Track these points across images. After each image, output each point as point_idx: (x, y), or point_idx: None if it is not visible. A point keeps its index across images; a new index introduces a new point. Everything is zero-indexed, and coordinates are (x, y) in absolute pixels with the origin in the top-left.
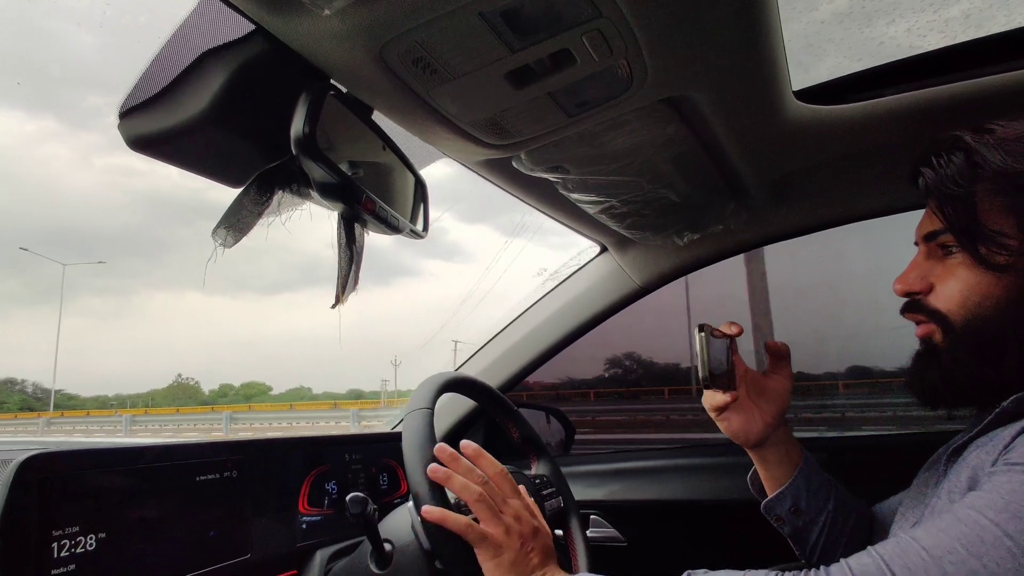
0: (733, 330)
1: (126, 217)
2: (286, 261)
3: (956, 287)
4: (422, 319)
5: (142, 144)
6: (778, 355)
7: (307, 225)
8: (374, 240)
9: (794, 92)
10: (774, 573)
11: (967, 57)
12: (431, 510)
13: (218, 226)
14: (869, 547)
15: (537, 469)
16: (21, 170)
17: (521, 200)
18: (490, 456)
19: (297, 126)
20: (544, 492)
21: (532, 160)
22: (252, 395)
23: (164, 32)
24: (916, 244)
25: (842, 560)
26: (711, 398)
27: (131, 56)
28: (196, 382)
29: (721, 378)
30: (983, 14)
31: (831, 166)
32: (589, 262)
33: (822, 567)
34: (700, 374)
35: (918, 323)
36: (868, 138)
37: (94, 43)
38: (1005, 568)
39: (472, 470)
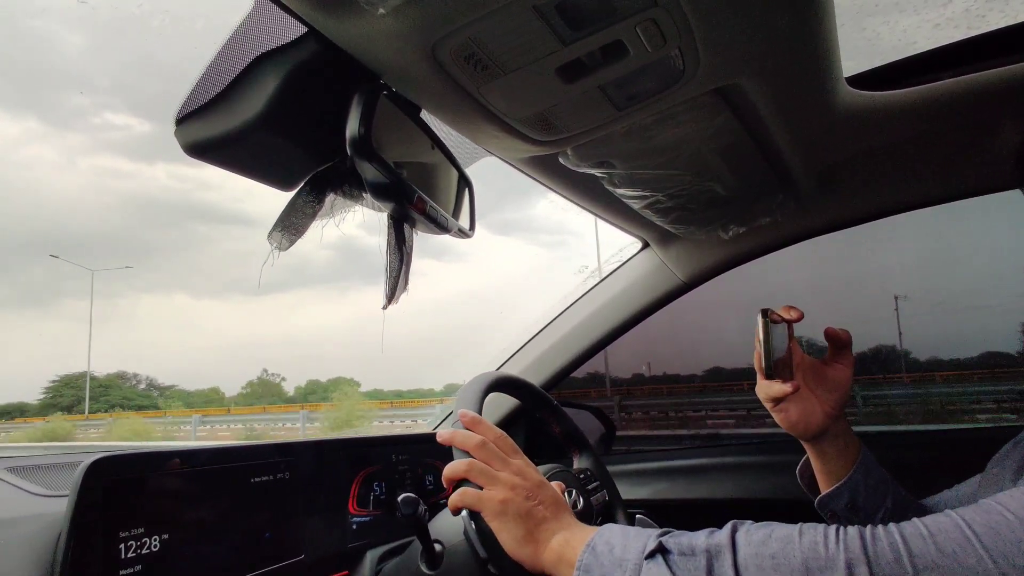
0: (793, 315)
1: (112, 219)
2: (276, 262)
3: None
4: (416, 318)
5: (198, 150)
6: (839, 342)
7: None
8: (358, 240)
9: (846, 78)
10: (834, 526)
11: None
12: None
13: (273, 229)
14: (946, 510)
15: (579, 463)
16: (4, 173)
17: (563, 196)
18: (488, 422)
19: (352, 127)
20: (589, 487)
21: (578, 156)
22: (341, 392)
23: (154, 31)
24: None
25: (914, 519)
26: (768, 388)
27: (118, 55)
28: (282, 378)
29: (781, 366)
30: None
31: (882, 154)
32: (631, 258)
33: (891, 524)
34: (762, 363)
35: None
36: (921, 124)
37: (78, 43)
38: None
39: (469, 435)
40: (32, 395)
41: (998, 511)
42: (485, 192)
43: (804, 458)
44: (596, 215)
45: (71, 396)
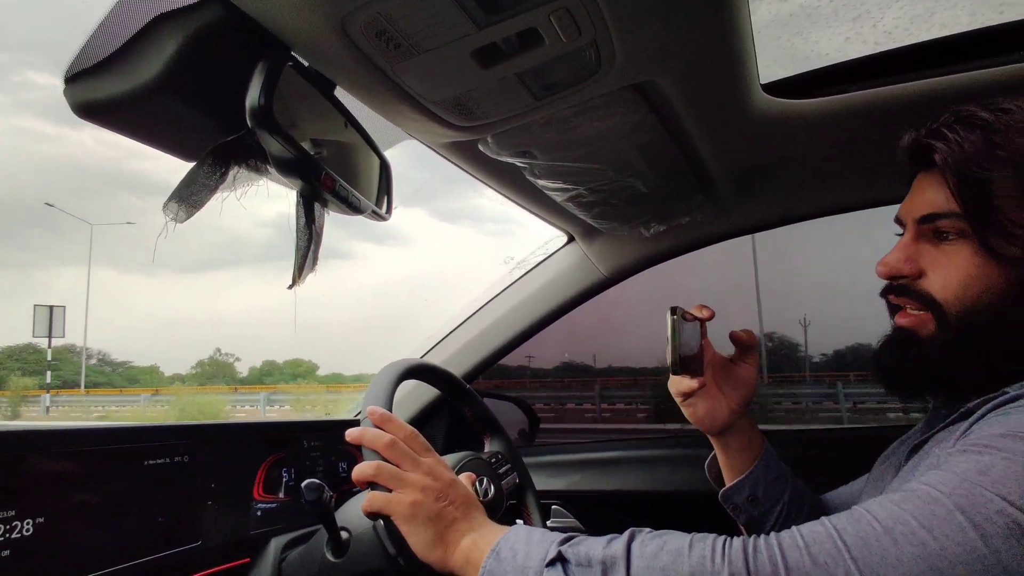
0: (705, 313)
1: (32, 185)
2: (209, 240)
3: (955, 275)
4: (354, 303)
5: (89, 111)
6: (743, 345)
7: (234, 204)
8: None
9: (762, 85)
10: (723, 537)
11: (936, 54)
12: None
13: (170, 199)
14: (822, 517)
15: (491, 447)
16: None
17: (487, 185)
18: (399, 419)
19: (253, 97)
20: (500, 470)
21: (498, 144)
22: (299, 374)
23: None
24: (898, 223)
25: (793, 528)
26: (678, 383)
27: (43, 9)
28: (236, 359)
29: (690, 363)
30: (949, 13)
31: (799, 160)
32: (556, 251)
33: (772, 534)
34: (670, 359)
35: (899, 308)
36: (836, 133)
37: None
38: (955, 542)
39: (378, 435)
40: None
41: (868, 520)
42: (431, 179)
43: (712, 454)
44: (522, 206)
45: (15, 369)
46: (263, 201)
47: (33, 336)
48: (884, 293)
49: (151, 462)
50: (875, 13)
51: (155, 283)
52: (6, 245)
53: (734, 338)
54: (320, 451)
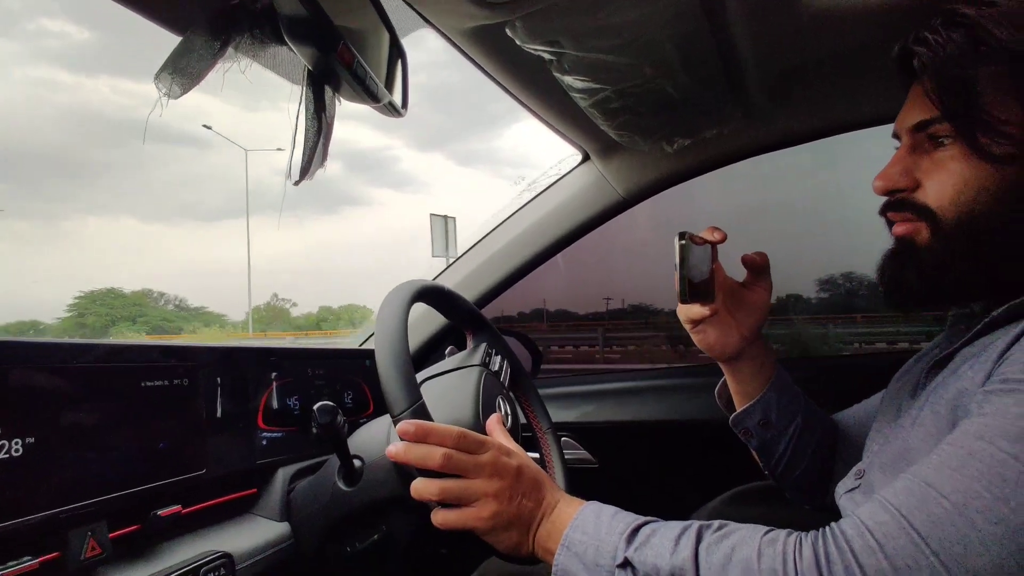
0: (716, 236)
1: (51, 135)
2: (228, 188)
3: (948, 181)
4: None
5: None
6: (755, 267)
7: (250, 152)
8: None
9: None
10: (793, 542)
11: None
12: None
13: (161, 70)
14: (878, 498)
15: (475, 342)
16: None
17: (506, 87)
18: (439, 426)
19: None
20: (495, 368)
21: (527, 29)
22: (355, 319)
23: None
24: (896, 137)
25: (854, 516)
26: (687, 310)
27: None
28: (292, 304)
29: (701, 289)
30: None
31: (839, 62)
32: (570, 171)
33: (834, 524)
34: (678, 286)
35: (897, 222)
36: (885, 31)
37: None
38: None
39: (427, 452)
40: (42, 313)
41: (934, 499)
42: (448, 121)
43: (722, 379)
44: (539, 117)
45: (104, 315)
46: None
47: (433, 255)
48: (882, 211)
49: (148, 383)
50: None
51: (179, 231)
52: (31, 195)
53: (746, 261)
54: (325, 380)
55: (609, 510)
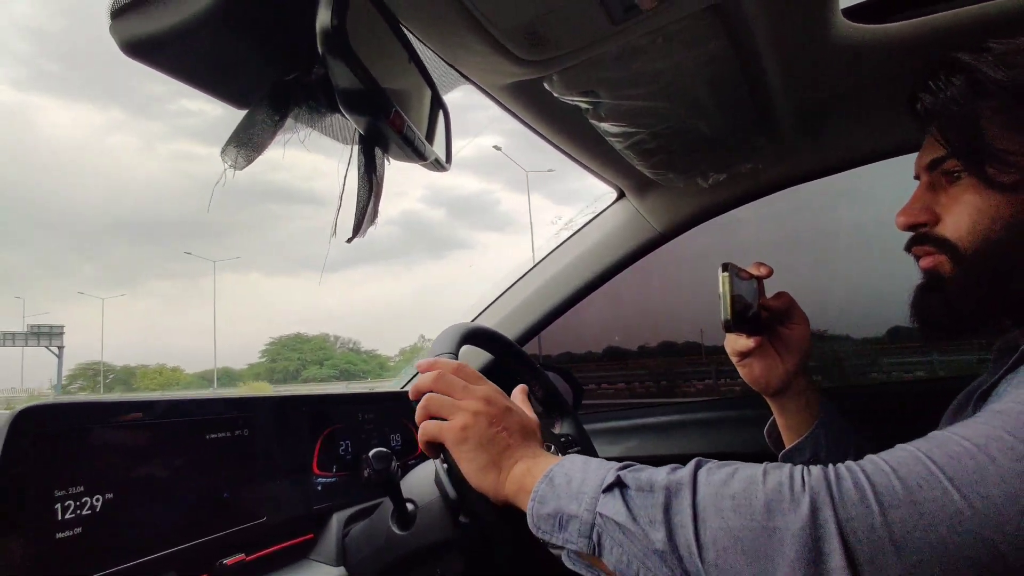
0: (762, 271)
1: (189, 202)
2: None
3: (964, 213)
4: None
5: (139, 50)
6: (779, 311)
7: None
8: (421, 214)
9: (843, 9)
10: (800, 467)
11: None
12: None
13: (227, 144)
14: (899, 444)
15: (561, 429)
16: (93, 161)
17: (542, 134)
18: (445, 359)
19: (323, 19)
20: (571, 452)
21: (564, 82)
22: None
23: None
24: (917, 178)
25: (870, 455)
26: (734, 342)
27: None
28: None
29: (746, 322)
30: None
31: (869, 93)
32: (605, 209)
33: (850, 461)
34: (722, 316)
35: (922, 256)
36: (915, 60)
37: None
38: None
39: (425, 376)
40: (188, 362)
41: (956, 440)
42: (541, 158)
43: (771, 419)
44: (574, 159)
45: (294, 359)
46: (388, 199)
47: None
48: (907, 247)
49: (212, 436)
50: None
51: (300, 281)
52: (175, 258)
53: (767, 307)
54: (374, 423)
55: (602, 460)
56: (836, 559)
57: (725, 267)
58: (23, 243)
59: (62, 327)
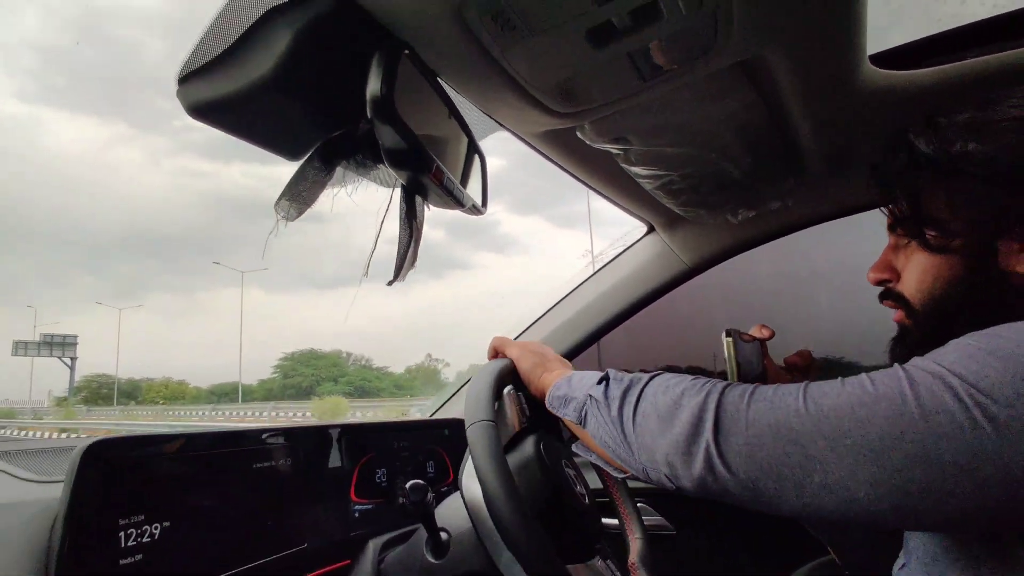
0: (764, 333)
1: (192, 217)
2: (342, 258)
3: (915, 272)
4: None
5: (202, 111)
6: (799, 369)
7: (361, 220)
8: (427, 235)
9: (870, 56)
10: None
11: None
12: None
13: (281, 197)
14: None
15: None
16: (96, 175)
17: (572, 174)
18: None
19: (374, 87)
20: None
21: (596, 131)
22: None
23: None
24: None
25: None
26: None
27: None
28: (446, 363)
29: (753, 383)
30: None
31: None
32: (635, 243)
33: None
34: (728, 379)
35: (892, 309)
36: (941, 105)
37: (162, 48)
38: (887, 386)
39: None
40: (197, 377)
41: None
42: (544, 185)
43: None
44: (603, 196)
45: (309, 375)
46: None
47: None
48: (880, 299)
49: (259, 465)
50: None
51: (298, 299)
52: (173, 271)
53: (788, 364)
54: (409, 451)
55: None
56: (708, 423)
57: (728, 332)
58: (27, 254)
59: (75, 337)
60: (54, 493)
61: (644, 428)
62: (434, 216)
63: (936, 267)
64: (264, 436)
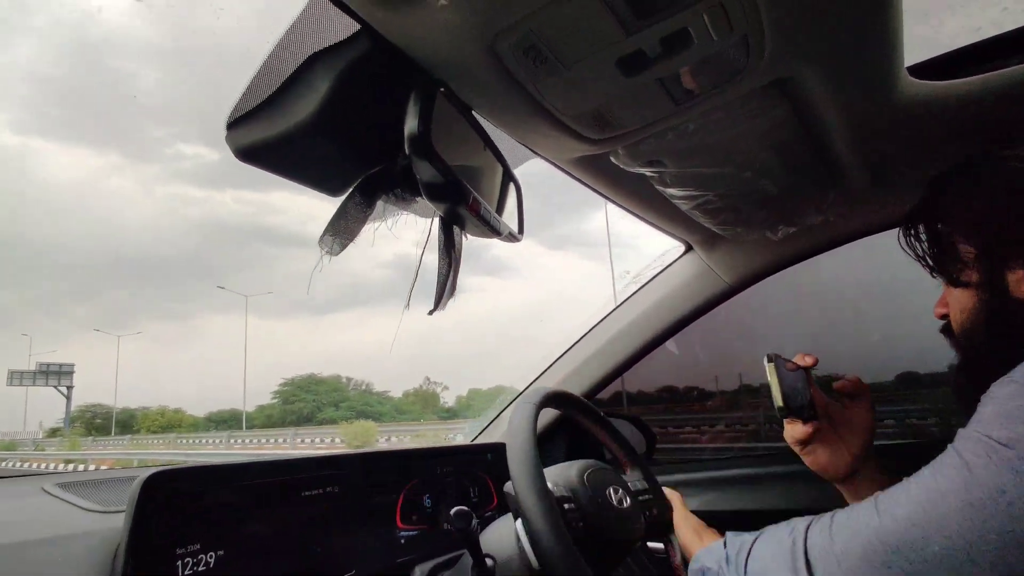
0: (807, 361)
1: (185, 243)
2: (333, 283)
3: (955, 309)
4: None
5: (250, 155)
6: (850, 393)
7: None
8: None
9: (907, 68)
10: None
11: None
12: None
13: (324, 233)
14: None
15: (631, 477)
16: (89, 204)
17: (608, 198)
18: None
19: (411, 125)
20: (641, 499)
21: (630, 155)
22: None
23: (226, 59)
24: None
25: None
26: (791, 430)
27: (189, 87)
28: (444, 387)
29: (800, 410)
30: None
31: (940, 146)
32: (673, 262)
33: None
34: (775, 405)
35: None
36: (984, 114)
37: (156, 78)
38: (948, 466)
39: None
40: (234, 403)
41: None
42: (539, 207)
43: None
44: (640, 217)
45: (310, 401)
46: (385, 242)
47: None
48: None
49: (307, 493)
50: None
51: (292, 324)
52: (168, 298)
53: (839, 391)
54: (453, 476)
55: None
56: (800, 564)
57: (769, 358)
58: (21, 284)
59: (72, 365)
60: (116, 523)
61: (754, 570)
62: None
63: (960, 301)
64: (313, 464)
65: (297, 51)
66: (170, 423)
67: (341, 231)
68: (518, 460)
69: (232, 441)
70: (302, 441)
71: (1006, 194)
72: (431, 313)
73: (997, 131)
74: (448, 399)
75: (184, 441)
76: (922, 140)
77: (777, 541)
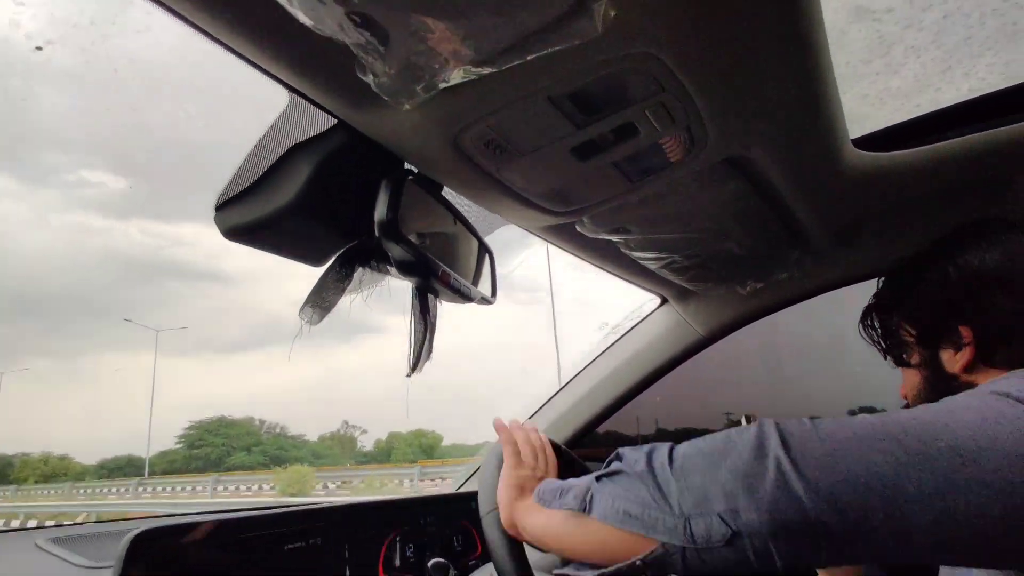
0: None
1: (82, 276)
2: (246, 322)
3: (907, 385)
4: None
5: (236, 233)
6: None
7: (268, 284)
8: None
9: (853, 140)
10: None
11: None
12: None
13: (305, 304)
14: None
15: None
16: None
17: (581, 258)
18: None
19: (380, 212)
20: None
21: (595, 224)
22: (425, 446)
23: (134, 87)
24: None
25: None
26: None
27: (95, 112)
28: (363, 431)
29: None
30: None
31: (894, 212)
32: (650, 314)
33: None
34: None
35: None
36: (931, 183)
37: (55, 101)
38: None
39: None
40: (128, 448)
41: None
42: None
43: None
44: (614, 274)
45: (220, 445)
46: (296, 280)
47: None
48: None
49: (290, 546)
50: (966, 63)
51: (196, 364)
52: (54, 334)
53: None
54: (435, 526)
55: None
56: (773, 440)
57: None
58: None
59: None
60: None
61: (689, 468)
62: None
63: (910, 380)
64: (296, 517)
65: (279, 142)
66: (55, 471)
67: (322, 301)
68: (486, 509)
69: (140, 490)
70: (224, 489)
71: (939, 288)
72: (408, 375)
73: (948, 198)
74: (367, 443)
75: (83, 492)
76: (876, 205)
77: (725, 432)
